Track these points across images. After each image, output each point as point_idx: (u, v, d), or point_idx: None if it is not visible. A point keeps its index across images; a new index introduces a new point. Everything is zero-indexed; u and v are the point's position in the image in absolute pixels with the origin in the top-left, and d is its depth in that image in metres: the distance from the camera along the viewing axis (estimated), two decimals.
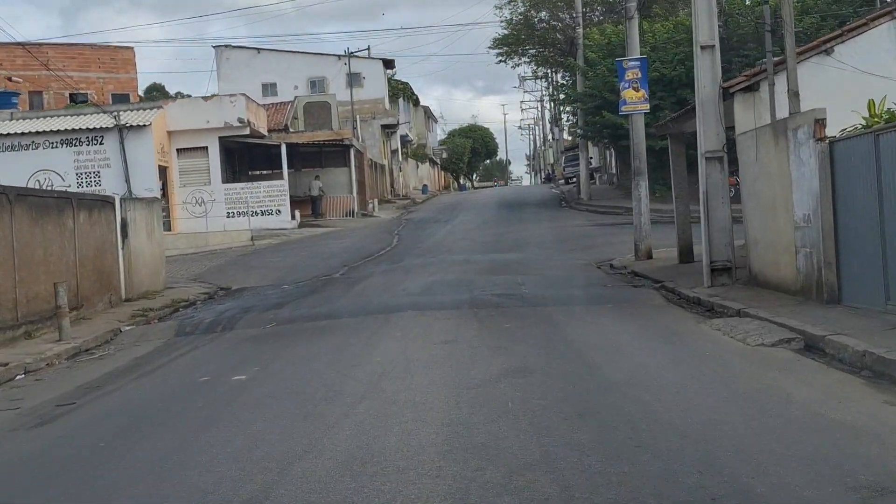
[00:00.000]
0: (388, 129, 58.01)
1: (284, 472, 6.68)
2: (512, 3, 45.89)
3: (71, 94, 53.80)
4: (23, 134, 35.09)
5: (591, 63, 39.61)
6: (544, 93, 57.28)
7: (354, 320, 15.07)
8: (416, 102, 79.23)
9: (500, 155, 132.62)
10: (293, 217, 38.16)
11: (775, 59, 17.72)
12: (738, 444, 6.70)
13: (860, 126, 12.28)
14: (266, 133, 41.08)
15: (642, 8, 29.35)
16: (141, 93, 58.63)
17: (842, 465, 6.11)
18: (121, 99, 51.40)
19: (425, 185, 70.32)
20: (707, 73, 15.71)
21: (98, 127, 35.32)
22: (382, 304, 16.83)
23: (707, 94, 15.69)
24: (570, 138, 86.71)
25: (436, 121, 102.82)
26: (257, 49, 54.07)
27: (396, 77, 67.21)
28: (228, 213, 37.65)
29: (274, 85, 53.64)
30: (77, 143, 35.18)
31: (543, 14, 45.47)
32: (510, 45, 46.12)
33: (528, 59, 46.91)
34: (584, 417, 7.74)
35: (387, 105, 57.06)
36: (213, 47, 53.38)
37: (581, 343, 11.68)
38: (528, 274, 21.15)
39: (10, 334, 14.66)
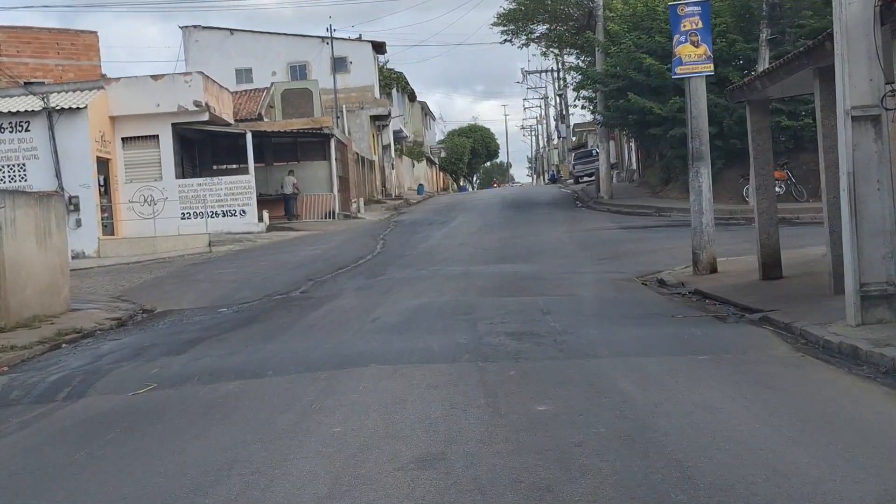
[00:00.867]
0: (379, 122, 51.91)
1: None
2: None
3: (26, 83, 47.92)
4: None
5: (614, 37, 33.64)
6: (555, 75, 51.19)
7: (280, 383, 9.09)
8: (413, 97, 73.23)
9: (501, 157, 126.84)
10: (261, 219, 32.15)
11: None
12: None
13: None
14: (232, 121, 35.07)
15: None
16: None
17: None
18: None
19: (421, 185, 64.24)
20: None
21: (23, 110, 29.35)
22: (336, 348, 10.84)
23: (854, 15, 9.70)
24: (575, 138, 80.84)
25: (434, 118, 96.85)
26: (230, 30, 47.92)
27: (397, 75, 61.22)
28: (183, 213, 31.67)
29: (249, 71, 47.59)
30: None
31: None
32: (517, 21, 40.02)
33: (536, 39, 40.72)
34: None
35: (377, 94, 50.93)
36: (181, 28, 47.43)
37: (706, 468, 5.64)
38: (552, 294, 15.20)
39: None
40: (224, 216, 31.75)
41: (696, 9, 16.72)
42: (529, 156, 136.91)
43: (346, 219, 35.96)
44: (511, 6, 39.78)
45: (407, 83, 63.09)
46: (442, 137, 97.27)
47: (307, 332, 12.60)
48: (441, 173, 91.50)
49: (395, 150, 59.30)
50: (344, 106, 46.71)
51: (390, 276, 19.70)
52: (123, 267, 27.74)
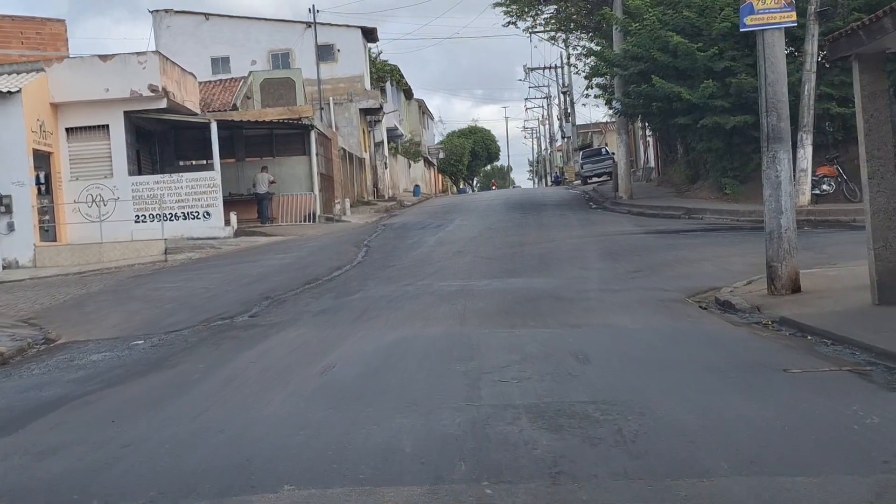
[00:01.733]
0: (370, 116, 47.42)
1: None
2: None
3: None
4: None
5: (634, 13, 29.30)
6: (560, 72, 46.53)
7: None
8: (410, 94, 68.84)
9: (502, 161, 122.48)
10: (228, 222, 27.75)
11: None
12: None
13: None
14: (198, 111, 30.69)
15: None
16: None
17: None
18: None
19: (417, 187, 59.73)
20: None
21: None
22: (239, 439, 6.43)
23: None
24: (579, 140, 76.39)
25: (432, 118, 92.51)
26: (205, 15, 43.38)
27: (391, 68, 56.84)
28: (137, 216, 27.29)
29: (227, 59, 43.15)
30: None
31: None
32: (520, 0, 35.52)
33: (543, 22, 36.23)
34: None
35: (367, 85, 46.39)
36: (151, 12, 42.92)
37: None
38: (584, 325, 10.92)
39: None
40: (185, 219, 27.36)
41: None
42: (531, 159, 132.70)
43: (329, 222, 31.55)
44: None
45: (402, 76, 58.59)
46: (441, 139, 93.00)
47: (217, 394, 8.23)
48: (440, 175, 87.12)
49: (390, 149, 54.85)
50: (331, 98, 42.31)
51: (367, 295, 15.35)
52: (59, 279, 23.45)
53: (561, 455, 5.42)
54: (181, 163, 32.25)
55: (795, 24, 13.29)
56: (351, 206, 36.08)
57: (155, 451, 6.19)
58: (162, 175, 28.51)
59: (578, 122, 76.30)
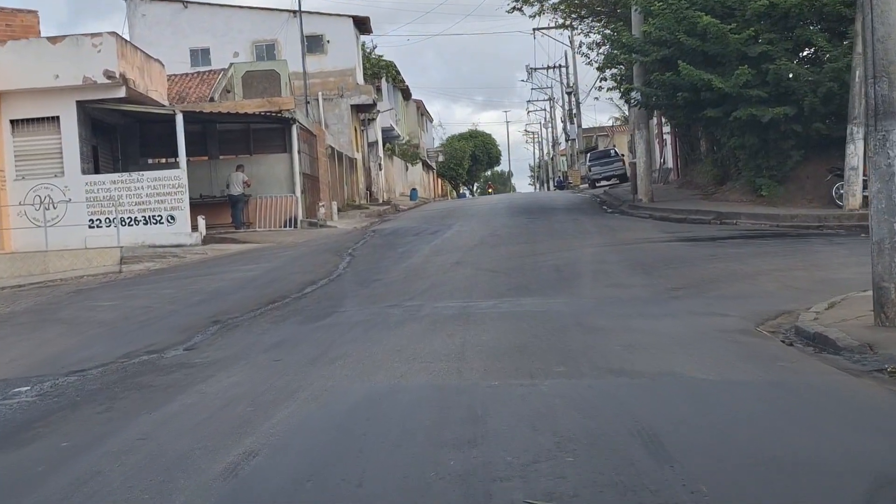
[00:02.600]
0: (363, 114, 44.03)
1: None
2: None
3: None
4: None
5: None
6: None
7: None
8: (407, 94, 65.53)
9: (503, 166, 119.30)
10: (195, 227, 24.39)
11: None
12: None
13: None
14: (165, 102, 27.34)
15: None
16: None
17: None
18: None
19: (414, 190, 56.33)
20: None
21: None
22: None
23: None
24: (584, 143, 72.99)
25: (431, 120, 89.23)
26: (183, 2, 40.05)
27: (386, 63, 53.47)
28: (92, 220, 23.98)
29: (207, 51, 39.79)
30: None
31: None
32: None
33: (551, 7, 32.83)
34: None
35: (359, 79, 42.96)
36: (125, 0, 39.58)
37: None
38: (634, 375, 7.60)
39: None
40: (146, 224, 24.04)
41: None
42: (532, 163, 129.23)
43: (312, 227, 28.16)
44: None
45: (398, 73, 55.22)
46: (440, 142, 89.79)
47: None
48: (439, 179, 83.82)
49: (385, 150, 51.48)
50: (320, 92, 39.00)
51: (339, 320, 12.03)
52: None
53: None
54: (149, 161, 28.95)
55: None
56: (339, 209, 32.72)
57: None
58: (120, 174, 25.15)
59: (583, 125, 72.98)
